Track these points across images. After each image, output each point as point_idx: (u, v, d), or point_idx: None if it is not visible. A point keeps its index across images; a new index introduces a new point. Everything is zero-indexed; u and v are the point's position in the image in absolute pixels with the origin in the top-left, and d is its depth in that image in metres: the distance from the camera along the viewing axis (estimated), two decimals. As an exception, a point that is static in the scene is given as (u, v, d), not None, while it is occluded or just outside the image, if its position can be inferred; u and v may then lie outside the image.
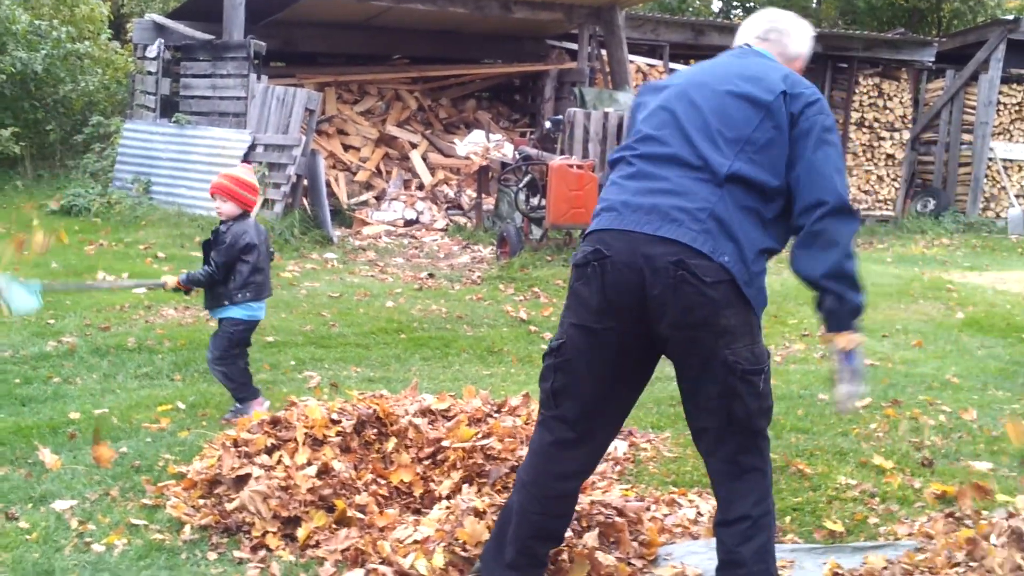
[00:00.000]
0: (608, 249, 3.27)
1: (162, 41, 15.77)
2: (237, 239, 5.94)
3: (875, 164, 20.28)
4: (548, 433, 3.52)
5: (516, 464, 4.63)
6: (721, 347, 3.20)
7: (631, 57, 17.46)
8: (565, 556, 3.90)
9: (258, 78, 14.50)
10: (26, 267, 10.50)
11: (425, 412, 5.11)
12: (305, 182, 13.82)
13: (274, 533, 4.25)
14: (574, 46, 18.43)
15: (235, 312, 6.05)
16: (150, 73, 15.96)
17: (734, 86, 3.41)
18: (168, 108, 15.52)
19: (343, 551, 4.09)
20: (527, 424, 5.06)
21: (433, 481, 4.66)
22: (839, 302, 3.24)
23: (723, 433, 3.32)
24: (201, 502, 4.58)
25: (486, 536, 3.87)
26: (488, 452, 4.78)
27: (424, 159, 16.82)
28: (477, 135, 15.90)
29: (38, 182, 16.44)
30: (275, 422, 5.00)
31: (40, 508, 4.60)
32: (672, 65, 18.35)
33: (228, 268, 5.96)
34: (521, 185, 12.67)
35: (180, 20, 16.61)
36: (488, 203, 15.32)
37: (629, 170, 3.41)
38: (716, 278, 3.16)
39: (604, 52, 17.51)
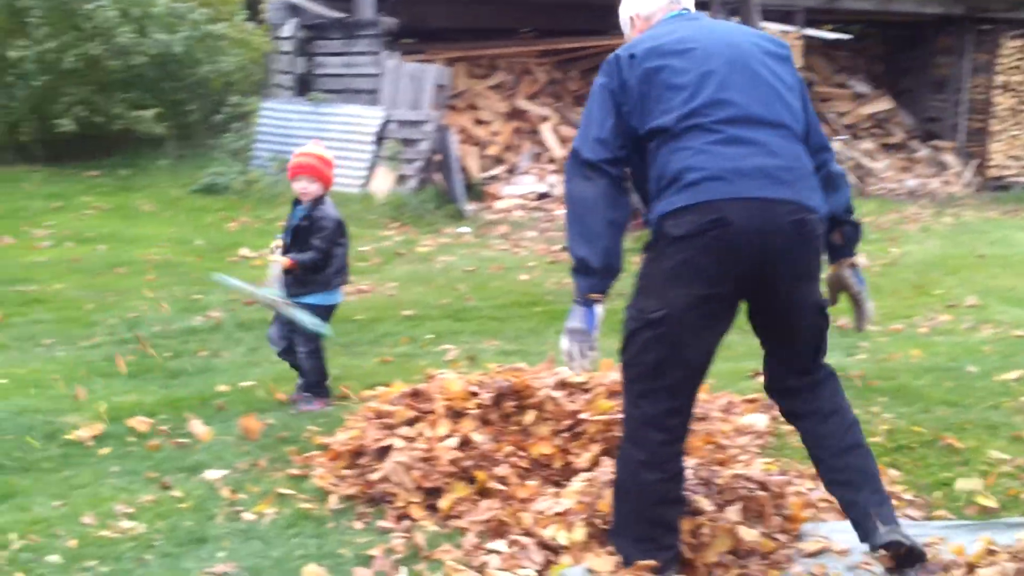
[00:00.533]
0: (730, 216, 3.33)
1: (296, 20, 16.05)
2: (335, 222, 5.73)
3: (1021, 129, 19.52)
4: (654, 405, 3.53)
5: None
6: (815, 291, 3.56)
7: (763, 24, 17.11)
8: (707, 530, 3.87)
9: (389, 55, 14.65)
10: (173, 243, 10.86)
11: (562, 385, 5.11)
12: (437, 157, 13.94)
13: (417, 503, 4.32)
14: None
15: (326, 298, 5.82)
16: (285, 52, 16.25)
17: (756, 45, 3.62)
18: (303, 86, 15.80)
19: (485, 522, 4.13)
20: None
21: (572, 454, 4.67)
22: (855, 230, 3.78)
23: (811, 365, 3.70)
24: (345, 473, 4.68)
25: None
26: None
27: (555, 132, 16.79)
28: (608, 106, 15.77)
29: (181, 161, 16.91)
30: (415, 394, 5.07)
31: (192, 478, 4.77)
32: (806, 32, 17.92)
33: (328, 253, 5.75)
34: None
35: (313, -1, 16.88)
36: (620, 175, 15.22)
37: (716, 136, 3.41)
38: (821, 230, 3.49)
39: (736, 19, 17.20)
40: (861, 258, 3.77)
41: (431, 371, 6.09)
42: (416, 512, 4.28)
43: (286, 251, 5.74)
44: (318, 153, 5.75)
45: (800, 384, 3.73)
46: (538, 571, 3.78)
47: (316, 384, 5.83)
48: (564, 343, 3.67)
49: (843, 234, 3.75)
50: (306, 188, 5.70)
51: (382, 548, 3.99)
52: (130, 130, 16.94)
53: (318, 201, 5.73)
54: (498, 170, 16.10)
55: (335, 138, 14.49)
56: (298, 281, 5.71)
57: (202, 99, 17.87)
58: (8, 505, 4.42)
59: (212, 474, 4.76)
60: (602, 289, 3.66)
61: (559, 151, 16.37)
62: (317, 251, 5.67)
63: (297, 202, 5.81)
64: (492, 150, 16.33)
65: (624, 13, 4.03)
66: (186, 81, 17.68)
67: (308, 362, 5.79)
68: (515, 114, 17.08)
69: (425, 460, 4.45)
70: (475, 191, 15.08)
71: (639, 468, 3.59)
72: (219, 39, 17.66)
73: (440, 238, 12.12)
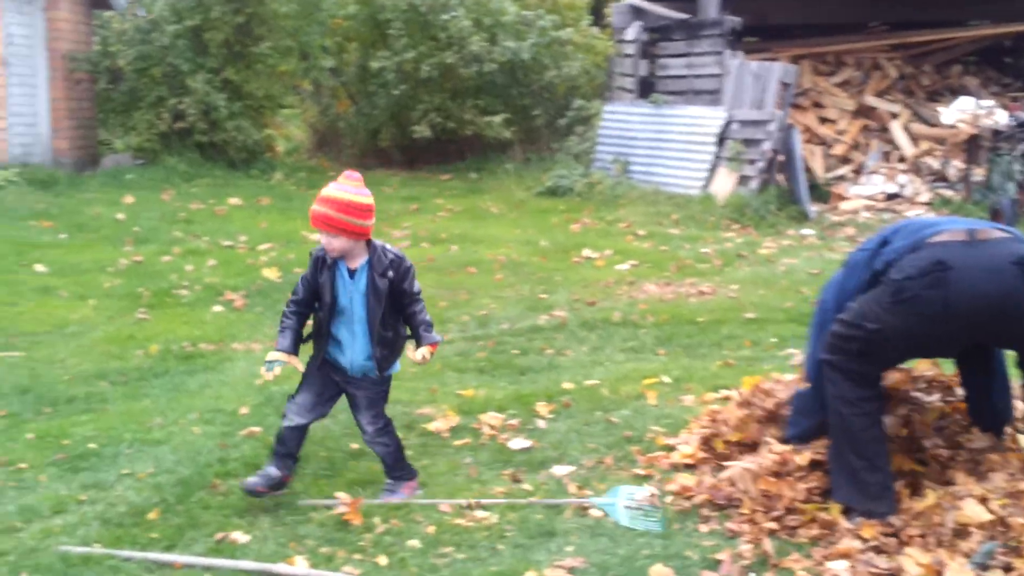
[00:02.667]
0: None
1: (639, 23, 16.18)
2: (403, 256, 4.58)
3: None
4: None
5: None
6: None
7: None
8: None
9: (732, 54, 14.50)
10: (519, 244, 11.22)
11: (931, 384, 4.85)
12: (780, 157, 13.65)
13: (763, 512, 4.23)
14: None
15: (397, 365, 4.74)
16: (628, 56, 16.43)
17: None
18: (645, 89, 15.91)
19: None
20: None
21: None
22: None
23: None
24: (688, 474, 4.66)
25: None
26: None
27: (905, 130, 16.05)
28: (965, 102, 14.91)
29: (527, 165, 17.46)
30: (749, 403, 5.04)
31: (540, 472, 4.90)
32: None
33: None
34: (1017, 153, 11.75)
35: (656, 1, 16.96)
36: (978, 174, 14.34)
37: None
38: None
39: None
40: None
41: (776, 375, 5.98)
42: (762, 520, 4.19)
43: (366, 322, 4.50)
44: (343, 198, 4.40)
45: None
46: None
47: (399, 461, 4.71)
48: None
49: None
50: (329, 243, 4.43)
51: (729, 553, 3.95)
52: (479, 135, 17.68)
53: (372, 250, 4.52)
54: (844, 170, 15.58)
55: (675, 139, 14.53)
56: (394, 351, 4.63)
57: (547, 104, 18.38)
58: (371, 491, 4.70)
59: (559, 470, 4.87)
60: None
61: (910, 149, 15.63)
62: (423, 309, 4.60)
63: (323, 261, 4.52)
64: (838, 149, 15.82)
65: None
66: (532, 86, 18.24)
67: (383, 440, 4.66)
68: (863, 111, 16.47)
69: (774, 473, 4.35)
70: (819, 192, 14.65)
71: (844, 420, 4.13)
72: (565, 44, 18.10)
73: (782, 240, 11.86)
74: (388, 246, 4.57)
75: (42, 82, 15.26)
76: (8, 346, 7.22)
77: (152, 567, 3.96)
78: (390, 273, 4.45)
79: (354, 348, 4.51)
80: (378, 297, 4.43)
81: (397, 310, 4.52)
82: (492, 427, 5.50)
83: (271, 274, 9.53)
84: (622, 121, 15.70)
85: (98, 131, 17.16)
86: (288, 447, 4.58)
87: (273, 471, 4.54)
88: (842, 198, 14.62)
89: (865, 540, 3.94)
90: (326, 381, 4.60)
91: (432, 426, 5.51)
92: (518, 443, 5.27)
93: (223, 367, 6.74)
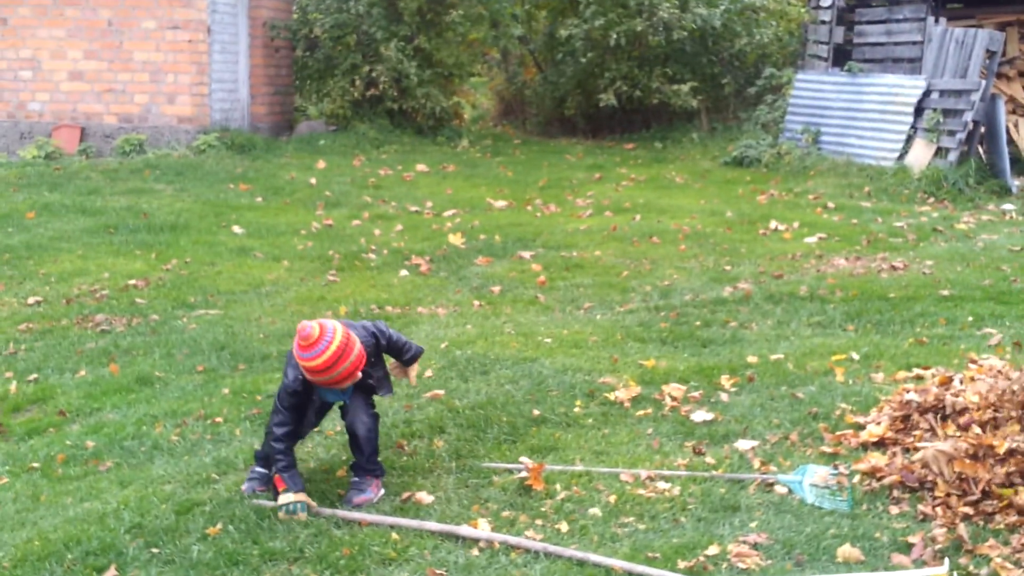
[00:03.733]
0: None
1: (835, -11, 15.69)
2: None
3: None
4: None
5: None
6: None
7: None
8: None
9: (936, 21, 13.90)
10: (703, 215, 11.07)
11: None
12: (982, 129, 13.04)
13: (958, 496, 4.07)
14: None
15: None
16: (823, 22, 15.96)
17: None
18: (840, 57, 15.43)
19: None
20: None
21: None
22: None
23: None
24: (879, 454, 4.53)
25: None
26: None
27: (1120, 100, 15.11)
28: None
29: (712, 134, 17.20)
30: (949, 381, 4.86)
31: (723, 446, 4.83)
32: None
33: None
34: None
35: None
36: None
37: None
38: None
39: None
40: None
41: (972, 355, 5.76)
42: (957, 505, 4.04)
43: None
44: (330, 354, 4.15)
45: None
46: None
47: (375, 452, 4.47)
48: None
49: None
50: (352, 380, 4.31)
51: (922, 536, 3.81)
52: (665, 104, 17.49)
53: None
54: (1051, 143, 14.77)
55: (870, 109, 14.07)
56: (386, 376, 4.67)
57: (736, 72, 18.04)
58: (552, 457, 4.73)
59: (743, 444, 4.80)
60: None
61: None
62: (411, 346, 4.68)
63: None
64: (1045, 121, 15.01)
65: None
66: (722, 54, 17.93)
67: (373, 424, 4.48)
68: (1073, 81, 15.56)
69: (972, 456, 4.18)
70: (1023, 166, 13.95)
71: None
72: (757, 11, 17.72)
73: (982, 215, 11.34)
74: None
75: (243, 49, 15.83)
76: (207, 304, 7.55)
77: (340, 523, 4.07)
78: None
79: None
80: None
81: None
82: (674, 398, 5.45)
83: (456, 240, 9.68)
84: (814, 90, 15.28)
85: (294, 97, 17.71)
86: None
87: (265, 471, 4.45)
88: (1049, 172, 13.88)
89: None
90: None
91: (613, 395, 5.49)
92: (700, 415, 5.21)
93: (408, 330, 6.87)
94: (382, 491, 4.37)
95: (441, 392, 5.51)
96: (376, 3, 15.83)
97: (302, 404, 4.32)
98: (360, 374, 4.25)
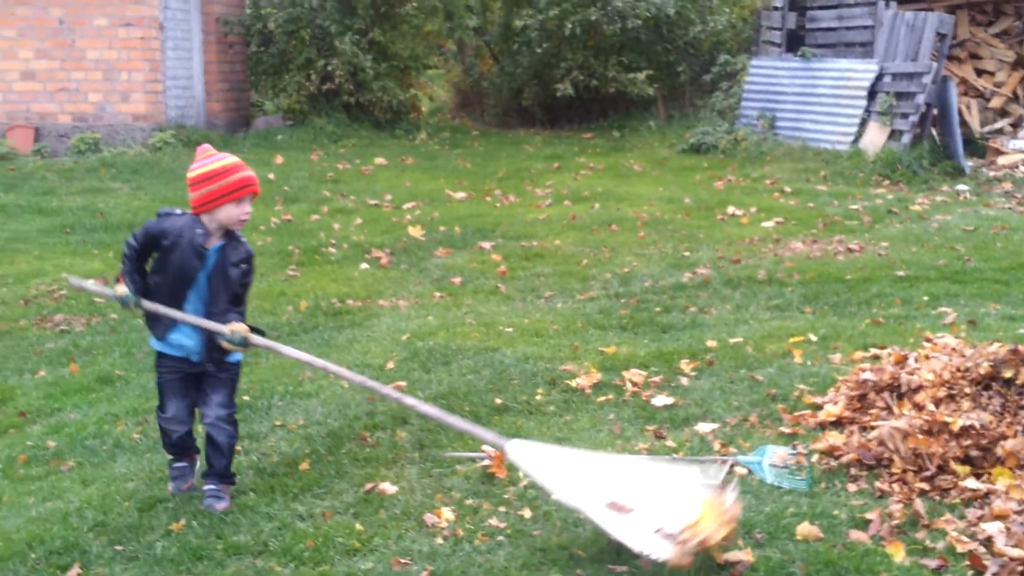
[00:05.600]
0: None
1: (787, -25, 15.81)
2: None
3: None
4: None
5: None
6: None
7: None
8: None
9: (886, 5, 14.04)
10: (662, 202, 11.12)
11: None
12: (935, 111, 13.19)
13: (915, 472, 4.14)
14: None
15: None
16: (776, 8, 16.07)
17: None
18: (793, 42, 15.56)
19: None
20: None
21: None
22: None
23: None
24: (837, 433, 4.59)
25: None
26: None
27: (1069, 80, 15.33)
28: None
29: (669, 122, 17.30)
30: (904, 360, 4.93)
31: (684, 429, 4.88)
32: None
33: None
34: None
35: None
36: None
37: None
38: None
39: None
40: None
41: (927, 334, 5.85)
42: (913, 480, 4.10)
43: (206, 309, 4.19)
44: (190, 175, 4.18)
45: None
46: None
47: (231, 461, 4.30)
48: None
49: None
50: (250, 213, 4.23)
51: (879, 512, 3.88)
52: (622, 92, 17.56)
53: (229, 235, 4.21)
54: (1002, 123, 14.98)
55: (825, 93, 14.20)
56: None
57: (691, 59, 18.14)
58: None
59: (703, 427, 4.85)
60: None
61: (1074, 101, 14.93)
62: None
63: (194, 239, 4.12)
64: (995, 102, 15.21)
65: None
66: (677, 42, 18.02)
67: (230, 428, 4.26)
68: (1022, 62, 15.77)
69: (926, 432, 4.25)
70: (975, 146, 14.12)
71: None
72: (711, -1, 17.84)
73: (936, 196, 11.49)
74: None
75: (196, 45, 15.74)
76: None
77: (304, 515, 4.09)
78: (243, 265, 4.21)
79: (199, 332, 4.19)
80: (227, 282, 4.17)
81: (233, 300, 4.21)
82: (635, 384, 5.49)
83: (416, 232, 9.69)
84: (769, 76, 15.39)
85: (250, 93, 17.61)
86: (184, 447, 4.36)
87: (183, 464, 4.38)
88: (999, 152, 14.05)
89: (1022, 502, 3.83)
90: (184, 379, 4.27)
91: (574, 382, 5.53)
92: (661, 400, 5.25)
93: (370, 323, 6.89)
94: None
95: (403, 384, 5.52)
96: (330, -4, 15.80)
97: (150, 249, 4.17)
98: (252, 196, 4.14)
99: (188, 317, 4.13)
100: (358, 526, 3.94)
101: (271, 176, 12.38)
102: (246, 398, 5.38)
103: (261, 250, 9.07)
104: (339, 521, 4.00)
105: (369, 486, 4.31)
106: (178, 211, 4.20)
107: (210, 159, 4.14)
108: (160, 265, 4.17)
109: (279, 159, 13.55)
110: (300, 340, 6.53)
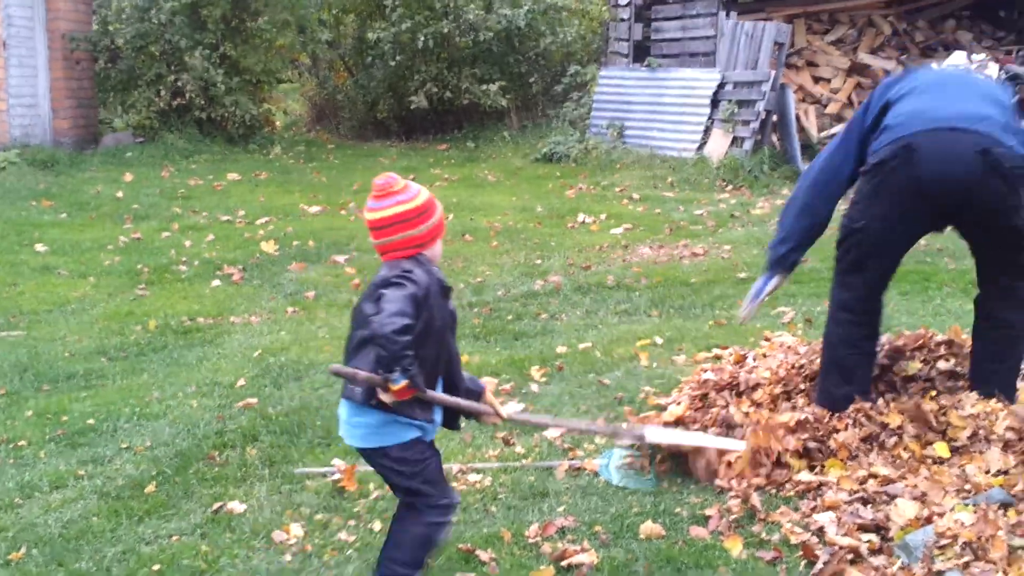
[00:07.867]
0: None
1: (633, -13, 16.17)
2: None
3: None
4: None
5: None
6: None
7: None
8: None
9: (727, 15, 14.48)
10: (515, 211, 11.26)
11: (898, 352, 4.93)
12: (774, 117, 13.66)
13: (751, 468, 4.30)
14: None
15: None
16: (623, 20, 16.42)
17: None
18: (640, 53, 15.91)
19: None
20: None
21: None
22: None
23: None
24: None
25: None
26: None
27: (901, 86, 15.99)
28: (957, 56, 14.70)
29: (523, 132, 17.49)
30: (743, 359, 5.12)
31: (533, 435, 4.97)
32: None
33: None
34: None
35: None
36: (972, 128, 14.33)
37: None
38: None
39: None
40: None
41: (767, 333, 6.07)
42: (749, 475, 4.27)
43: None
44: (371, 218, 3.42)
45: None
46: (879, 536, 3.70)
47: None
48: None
49: None
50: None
51: (718, 508, 4.03)
52: (476, 104, 17.69)
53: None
54: (838, 128, 15.53)
55: (671, 102, 14.54)
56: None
57: (543, 71, 18.38)
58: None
59: (551, 432, 4.94)
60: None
61: (906, 106, 15.56)
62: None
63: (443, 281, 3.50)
64: (832, 108, 15.79)
65: None
66: (528, 54, 18.23)
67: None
68: (856, 69, 16.41)
69: (764, 429, 4.42)
70: (813, 151, 14.60)
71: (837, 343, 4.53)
72: (560, 11, 18.08)
73: (776, 200, 11.87)
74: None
75: (42, 63, 15.28)
76: (9, 325, 7.30)
77: (150, 538, 4.04)
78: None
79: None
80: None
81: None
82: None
83: (269, 247, 9.60)
84: (617, 86, 15.71)
85: (98, 110, 17.19)
86: None
87: None
88: (838, 157, 14.57)
89: (852, 492, 4.01)
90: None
91: (427, 393, 5.57)
92: (511, 407, 5.33)
93: (221, 340, 6.82)
94: None
95: (254, 400, 5.50)
96: (179, 11, 15.47)
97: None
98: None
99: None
100: (204, 547, 3.91)
101: (120, 194, 12.12)
102: (90, 421, 5.28)
103: (109, 270, 8.89)
104: (186, 543, 3.97)
105: (217, 506, 4.28)
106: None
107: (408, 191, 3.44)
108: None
109: (128, 176, 13.26)
110: (149, 360, 6.44)
